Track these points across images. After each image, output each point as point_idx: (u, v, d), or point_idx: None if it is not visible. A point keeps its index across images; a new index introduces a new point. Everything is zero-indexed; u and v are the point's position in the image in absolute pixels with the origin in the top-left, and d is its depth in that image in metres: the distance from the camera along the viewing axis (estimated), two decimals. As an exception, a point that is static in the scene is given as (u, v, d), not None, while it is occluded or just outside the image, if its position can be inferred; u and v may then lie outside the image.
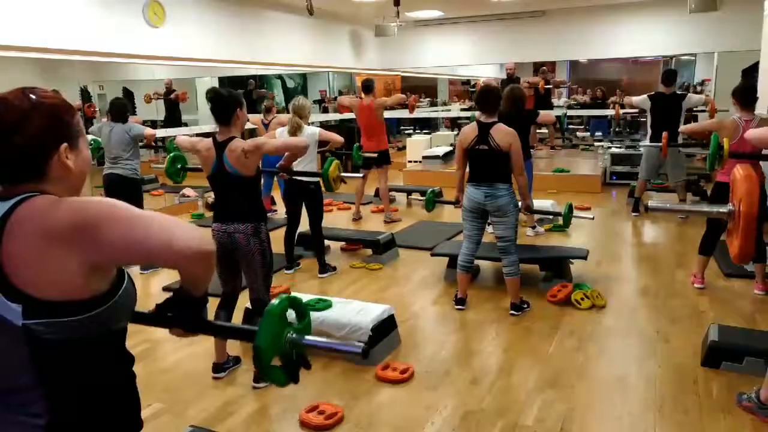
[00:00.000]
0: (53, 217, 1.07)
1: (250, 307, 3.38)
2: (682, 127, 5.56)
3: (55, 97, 1.17)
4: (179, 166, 4.17)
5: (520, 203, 4.14)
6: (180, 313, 1.34)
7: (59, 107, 1.15)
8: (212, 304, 3.30)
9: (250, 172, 3.06)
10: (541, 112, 5.88)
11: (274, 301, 1.29)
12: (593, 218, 5.58)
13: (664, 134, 5.18)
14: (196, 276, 1.25)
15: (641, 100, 6.66)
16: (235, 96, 3.13)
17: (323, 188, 4.50)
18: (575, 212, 5.05)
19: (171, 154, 4.18)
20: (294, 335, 1.28)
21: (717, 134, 3.83)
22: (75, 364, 1.12)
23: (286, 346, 1.27)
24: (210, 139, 3.11)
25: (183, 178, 4.28)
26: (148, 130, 5.24)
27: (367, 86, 6.85)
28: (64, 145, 1.14)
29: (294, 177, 4.90)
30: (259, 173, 3.14)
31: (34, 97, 1.12)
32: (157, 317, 1.37)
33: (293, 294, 4.10)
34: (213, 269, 1.23)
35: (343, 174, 4.38)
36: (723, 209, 2.21)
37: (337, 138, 5.09)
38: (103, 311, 1.11)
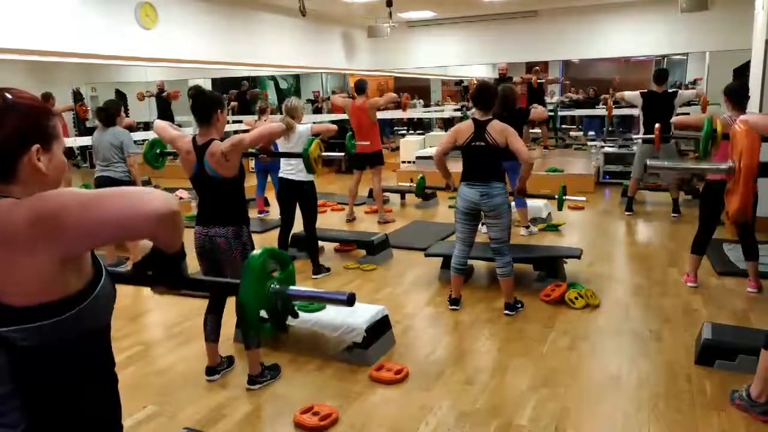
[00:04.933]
0: (11, 219, 1.03)
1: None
2: (674, 119, 5.54)
3: (32, 98, 1.14)
4: (158, 151, 4.11)
5: (513, 194, 4.15)
6: (159, 271, 1.32)
7: (35, 109, 1.13)
8: (201, 306, 3.30)
9: (232, 172, 3.03)
10: (533, 108, 5.86)
11: (254, 253, 1.27)
12: (585, 200, 5.75)
13: (657, 126, 5.11)
14: (167, 237, 1.22)
15: (633, 95, 6.68)
16: (218, 97, 3.12)
17: (315, 171, 4.40)
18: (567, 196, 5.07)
19: (150, 139, 4.11)
20: (277, 286, 1.27)
21: (709, 118, 3.81)
22: (53, 370, 1.09)
23: (270, 298, 1.26)
24: (190, 140, 3.07)
25: (162, 163, 4.22)
26: (131, 159, 5.16)
27: (360, 87, 6.84)
28: (36, 146, 1.11)
29: (283, 176, 4.91)
30: (242, 172, 3.11)
31: (9, 96, 1.10)
32: (136, 276, 1.35)
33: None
34: (182, 228, 1.20)
35: (324, 153, 4.32)
36: (723, 165, 2.27)
37: (330, 126, 5.07)
38: (80, 311, 1.08)
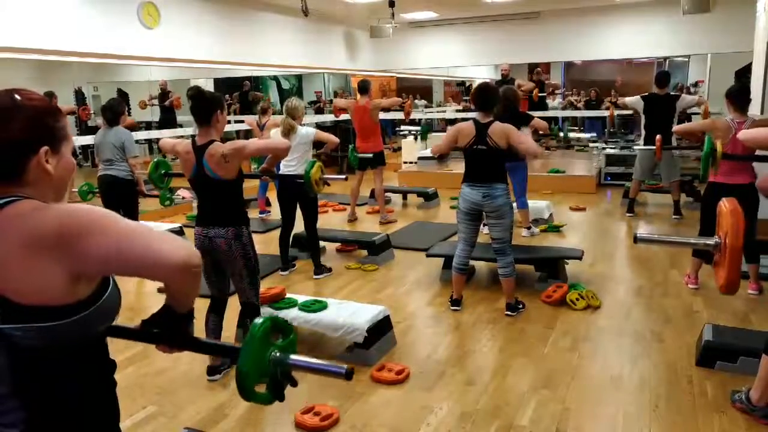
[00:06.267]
0: (38, 223, 1.04)
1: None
2: (676, 127, 5.57)
3: (40, 99, 1.14)
4: (162, 171, 4.22)
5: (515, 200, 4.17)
6: (165, 330, 1.32)
7: (42, 110, 1.12)
8: (203, 305, 3.30)
9: (232, 175, 3.03)
10: (535, 118, 5.86)
11: (257, 321, 1.25)
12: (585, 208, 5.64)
13: (658, 138, 5.20)
14: (181, 290, 1.23)
15: (634, 100, 6.69)
16: (217, 98, 3.13)
17: (317, 192, 4.44)
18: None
19: (154, 160, 4.23)
20: (278, 354, 1.26)
21: (710, 136, 3.84)
22: (53, 371, 1.09)
23: (270, 366, 1.25)
24: (189, 142, 3.08)
25: (167, 183, 4.33)
26: (132, 160, 5.10)
27: (363, 87, 6.84)
28: (45, 148, 1.11)
29: (284, 179, 4.91)
30: (241, 175, 3.12)
31: (18, 97, 1.10)
32: (142, 333, 1.36)
33: (277, 315, 4.13)
34: (199, 284, 1.21)
35: (326, 176, 4.37)
36: (710, 241, 2.30)
37: (333, 139, 5.08)
38: (85, 316, 1.09)
